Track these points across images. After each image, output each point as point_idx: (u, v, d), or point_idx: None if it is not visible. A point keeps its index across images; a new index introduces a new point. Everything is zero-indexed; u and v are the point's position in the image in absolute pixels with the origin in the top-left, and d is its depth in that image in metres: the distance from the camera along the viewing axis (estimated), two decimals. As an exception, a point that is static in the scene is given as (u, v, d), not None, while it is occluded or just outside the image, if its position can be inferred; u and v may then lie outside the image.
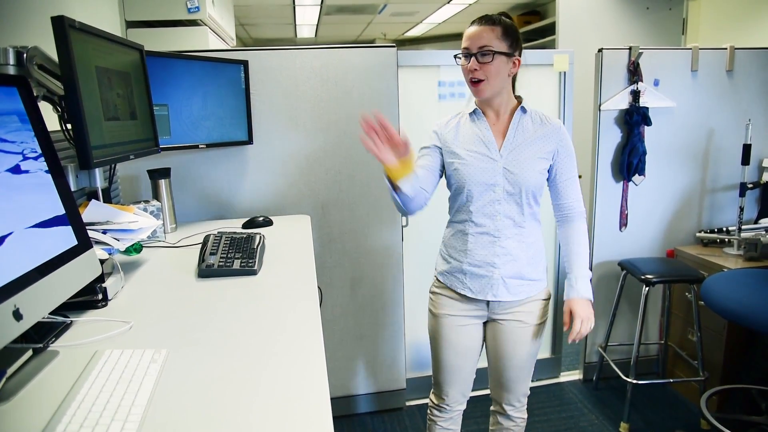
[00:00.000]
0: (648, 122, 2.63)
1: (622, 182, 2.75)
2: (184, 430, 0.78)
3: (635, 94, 2.62)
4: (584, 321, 1.62)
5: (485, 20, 1.54)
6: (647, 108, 2.63)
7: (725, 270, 2.37)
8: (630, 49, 2.61)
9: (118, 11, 2.60)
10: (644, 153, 2.66)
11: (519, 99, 1.66)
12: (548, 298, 1.73)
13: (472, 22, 1.56)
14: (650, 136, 2.69)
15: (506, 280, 1.63)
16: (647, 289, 2.49)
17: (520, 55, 1.58)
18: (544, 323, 1.72)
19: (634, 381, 2.50)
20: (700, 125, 2.77)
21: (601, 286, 2.86)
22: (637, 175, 2.70)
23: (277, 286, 1.40)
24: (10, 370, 0.93)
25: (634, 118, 2.62)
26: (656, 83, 2.67)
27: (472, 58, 1.52)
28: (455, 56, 1.59)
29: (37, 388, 0.91)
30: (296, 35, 7.80)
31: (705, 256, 2.62)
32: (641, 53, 2.60)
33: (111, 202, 1.80)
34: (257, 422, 0.80)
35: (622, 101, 2.65)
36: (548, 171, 1.63)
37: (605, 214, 2.78)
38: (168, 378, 0.92)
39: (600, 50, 2.62)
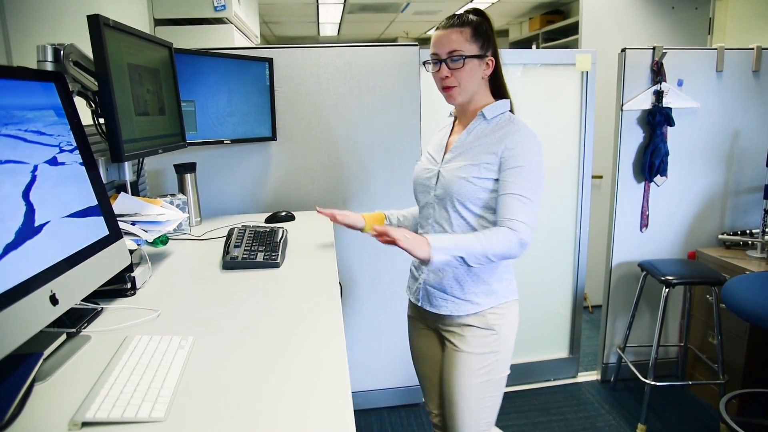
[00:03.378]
0: (671, 123, 2.61)
1: (643, 183, 2.73)
2: (211, 412, 0.82)
3: (658, 95, 2.60)
4: (402, 238, 1.30)
5: (453, 22, 1.44)
6: (670, 108, 2.60)
7: (748, 273, 2.34)
8: (654, 49, 2.59)
9: (147, 9, 2.67)
10: (666, 154, 2.64)
11: (495, 100, 1.51)
12: (489, 329, 1.49)
13: (439, 25, 1.46)
14: (673, 136, 2.66)
15: (428, 289, 1.55)
16: (667, 290, 2.47)
17: (494, 55, 1.47)
18: (481, 356, 1.49)
19: (653, 382, 2.49)
20: (724, 126, 2.73)
21: (621, 286, 2.85)
22: (659, 175, 2.68)
23: (299, 279, 1.44)
24: (46, 352, 0.98)
25: (657, 119, 2.60)
26: (680, 83, 2.65)
27: (442, 65, 1.43)
28: (424, 63, 1.51)
29: (71, 369, 0.95)
30: (319, 33, 7.86)
31: (727, 258, 2.59)
32: (665, 53, 2.58)
33: (139, 195, 1.85)
34: (281, 409, 0.83)
35: (645, 101, 2.63)
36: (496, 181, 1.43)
37: (626, 214, 2.76)
38: (195, 363, 0.96)
39: (623, 50, 2.61)
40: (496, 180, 1.42)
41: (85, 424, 0.77)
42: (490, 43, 1.45)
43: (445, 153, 1.54)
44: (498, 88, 1.52)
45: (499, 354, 1.51)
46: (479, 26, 1.43)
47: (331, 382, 0.91)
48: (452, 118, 1.63)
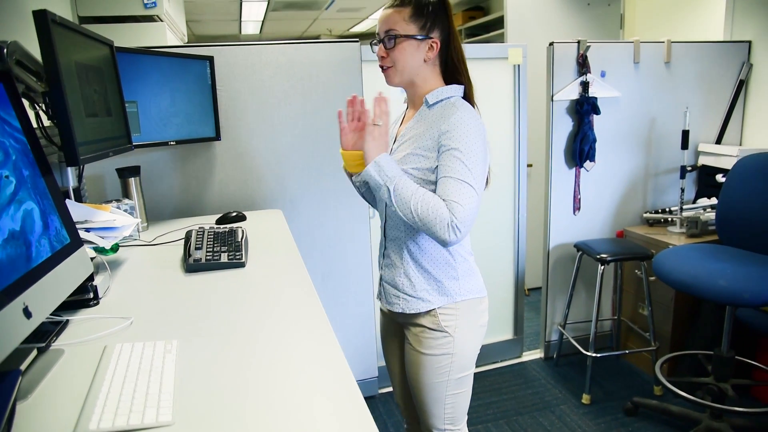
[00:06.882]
0: (597, 111, 2.79)
1: (574, 168, 2.90)
2: (219, 410, 0.81)
3: (584, 85, 2.77)
4: (372, 136, 1.35)
5: (396, 1, 1.39)
6: (596, 98, 2.78)
7: (671, 246, 2.55)
8: (578, 42, 2.76)
9: (70, 6, 2.51)
10: (594, 140, 2.82)
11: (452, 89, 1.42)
12: (442, 332, 1.45)
13: (386, 4, 1.42)
14: (599, 124, 2.85)
15: (384, 286, 1.55)
16: (602, 267, 2.64)
17: (446, 38, 1.39)
18: (435, 357, 1.46)
19: (594, 354, 2.66)
20: (643, 113, 2.95)
21: (558, 267, 3.02)
22: (588, 161, 2.86)
23: (269, 277, 1.42)
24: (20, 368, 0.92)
25: (584, 108, 2.77)
26: (603, 74, 2.83)
27: (381, 44, 1.40)
28: (371, 43, 1.47)
29: (53, 384, 0.91)
30: (241, 32, 7.68)
31: (652, 234, 2.81)
32: (589, 46, 2.76)
33: (82, 202, 1.75)
34: (288, 400, 0.83)
35: (573, 92, 2.79)
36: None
37: (560, 199, 2.93)
38: (187, 365, 0.94)
39: (551, 44, 2.75)
40: (436, 168, 1.35)
41: (89, 436, 0.74)
42: (435, 25, 1.37)
43: (393, 143, 1.49)
44: (453, 74, 1.43)
45: (453, 356, 1.46)
46: (423, 6, 1.36)
47: (329, 368, 0.92)
48: (405, 106, 1.57)
